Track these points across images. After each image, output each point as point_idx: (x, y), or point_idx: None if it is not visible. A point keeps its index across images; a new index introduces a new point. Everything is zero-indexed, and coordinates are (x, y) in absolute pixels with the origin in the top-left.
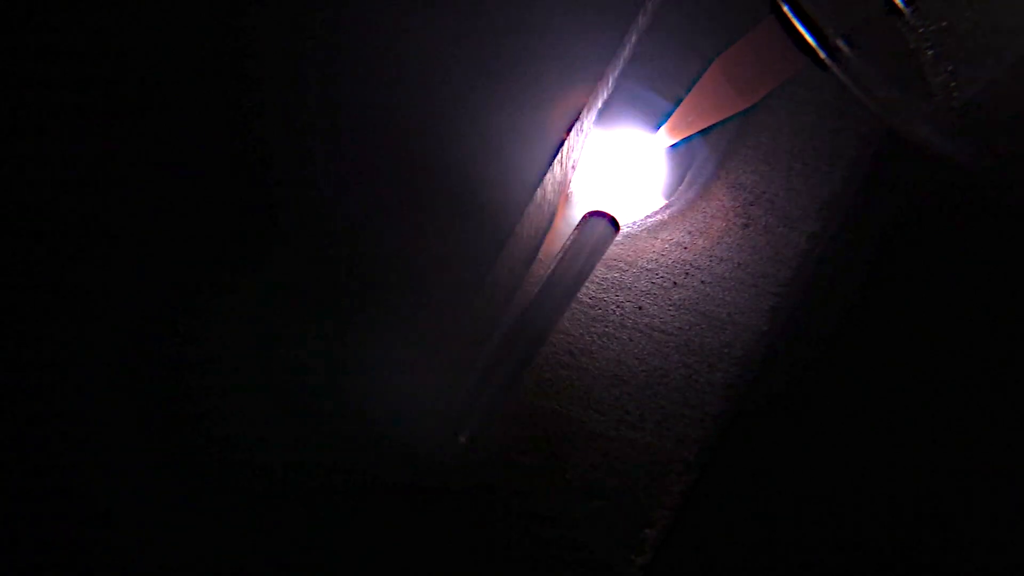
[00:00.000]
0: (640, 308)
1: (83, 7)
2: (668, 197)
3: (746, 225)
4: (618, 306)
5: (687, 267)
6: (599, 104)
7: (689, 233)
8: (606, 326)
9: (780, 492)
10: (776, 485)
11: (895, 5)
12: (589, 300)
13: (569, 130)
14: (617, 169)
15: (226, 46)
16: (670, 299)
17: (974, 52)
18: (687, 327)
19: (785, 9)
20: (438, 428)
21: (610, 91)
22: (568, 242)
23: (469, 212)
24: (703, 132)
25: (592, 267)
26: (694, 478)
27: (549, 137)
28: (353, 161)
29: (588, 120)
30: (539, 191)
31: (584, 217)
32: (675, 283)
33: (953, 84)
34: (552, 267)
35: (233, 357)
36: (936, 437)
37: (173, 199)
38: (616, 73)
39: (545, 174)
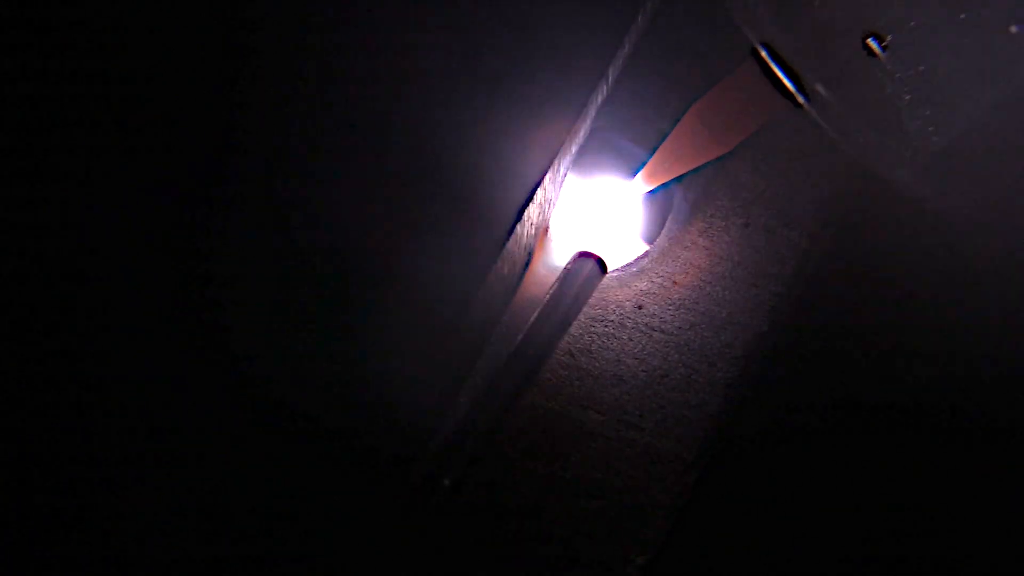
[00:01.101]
0: (640, 307)
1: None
2: (648, 241)
3: (746, 225)
4: (618, 305)
5: (687, 266)
6: (585, 127)
7: (689, 232)
8: (606, 326)
9: (780, 492)
10: (776, 485)
11: (871, 49)
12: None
13: (566, 136)
14: (596, 215)
15: (228, 41)
16: (670, 298)
17: (952, 97)
18: (687, 326)
19: (763, 54)
20: (428, 407)
21: (606, 94)
22: (555, 285)
23: (469, 211)
24: (680, 178)
25: (579, 311)
26: (694, 478)
27: (549, 138)
28: (354, 159)
29: (569, 151)
30: (539, 192)
31: (573, 258)
32: (675, 282)
33: (931, 128)
34: (538, 311)
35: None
36: (936, 437)
37: (182, 194)
38: (617, 72)
39: (545, 174)
